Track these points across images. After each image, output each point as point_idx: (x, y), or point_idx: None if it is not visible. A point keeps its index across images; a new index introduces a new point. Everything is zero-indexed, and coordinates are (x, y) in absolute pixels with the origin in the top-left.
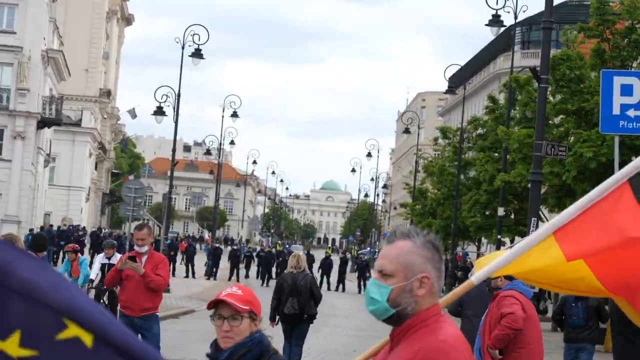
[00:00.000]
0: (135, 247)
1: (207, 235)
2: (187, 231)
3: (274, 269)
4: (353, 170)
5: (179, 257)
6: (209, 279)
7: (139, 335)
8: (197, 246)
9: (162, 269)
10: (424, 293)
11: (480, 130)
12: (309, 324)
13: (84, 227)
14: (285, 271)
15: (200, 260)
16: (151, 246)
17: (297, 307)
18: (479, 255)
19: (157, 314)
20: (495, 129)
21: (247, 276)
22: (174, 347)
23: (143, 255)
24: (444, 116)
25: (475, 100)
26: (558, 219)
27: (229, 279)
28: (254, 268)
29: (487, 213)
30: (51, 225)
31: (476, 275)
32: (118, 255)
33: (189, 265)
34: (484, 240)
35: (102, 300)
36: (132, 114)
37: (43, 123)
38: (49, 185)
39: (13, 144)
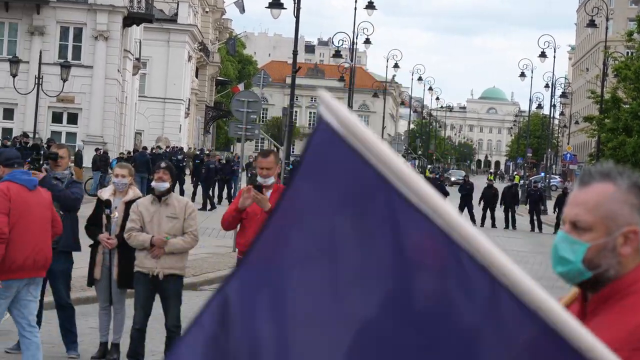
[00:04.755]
0: (259, 179)
1: None
2: None
3: None
4: (522, 75)
5: None
6: None
7: None
8: None
9: None
10: (630, 251)
11: None
12: None
13: (184, 150)
14: None
15: None
16: (278, 178)
17: None
18: None
19: None
20: None
21: None
22: None
23: (268, 189)
24: None
25: None
26: None
27: None
28: None
29: None
30: (145, 148)
31: None
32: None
33: None
34: None
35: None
36: (241, 6)
37: (130, 19)
38: (139, 98)
39: (94, 47)
